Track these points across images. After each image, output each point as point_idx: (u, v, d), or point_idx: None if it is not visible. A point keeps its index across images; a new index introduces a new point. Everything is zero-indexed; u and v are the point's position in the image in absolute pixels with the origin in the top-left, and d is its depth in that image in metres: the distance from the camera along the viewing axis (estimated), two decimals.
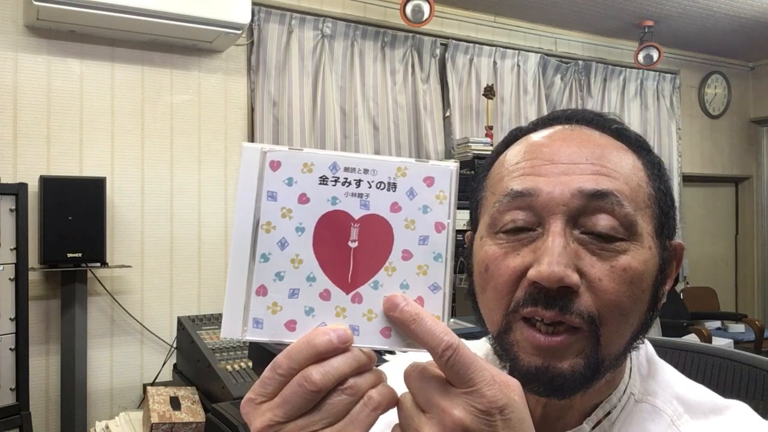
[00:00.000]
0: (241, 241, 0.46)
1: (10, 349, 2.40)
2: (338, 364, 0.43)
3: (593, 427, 0.60)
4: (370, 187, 0.47)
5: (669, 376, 0.65)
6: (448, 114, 4.04)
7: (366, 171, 0.47)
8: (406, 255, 0.47)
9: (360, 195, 0.47)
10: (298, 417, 0.43)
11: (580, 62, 4.59)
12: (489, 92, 3.93)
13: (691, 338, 3.56)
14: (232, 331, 0.46)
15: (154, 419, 1.98)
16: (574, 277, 0.53)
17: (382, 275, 0.46)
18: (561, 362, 0.54)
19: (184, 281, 3.24)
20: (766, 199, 5.54)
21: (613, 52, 4.77)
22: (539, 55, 4.38)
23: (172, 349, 2.98)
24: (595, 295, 0.54)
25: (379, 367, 0.81)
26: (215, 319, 2.53)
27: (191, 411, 2.05)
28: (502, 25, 4.29)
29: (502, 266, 0.57)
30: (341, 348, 0.43)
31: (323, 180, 0.47)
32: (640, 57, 4.52)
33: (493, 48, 4.22)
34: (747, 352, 0.86)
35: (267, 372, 0.44)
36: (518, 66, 4.29)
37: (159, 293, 3.18)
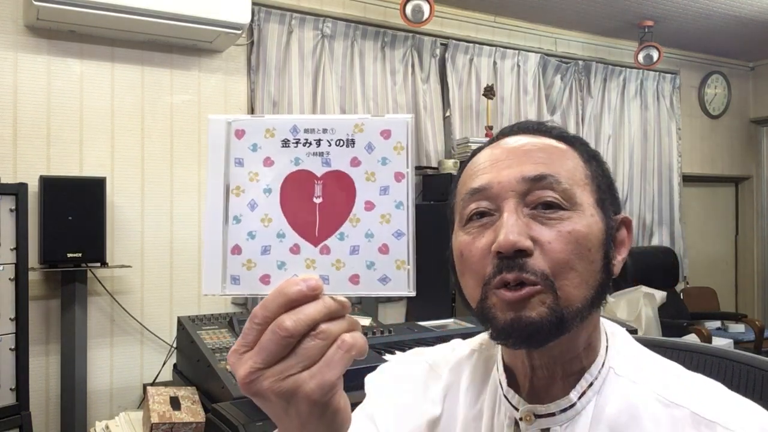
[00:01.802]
0: (214, 206, 0.50)
1: (10, 349, 2.40)
2: (309, 311, 0.46)
3: (579, 397, 0.67)
4: (329, 145, 0.50)
5: (646, 355, 0.72)
6: (448, 114, 4.04)
7: (325, 130, 0.50)
8: (369, 206, 0.49)
9: (321, 154, 0.50)
10: (276, 363, 0.46)
11: (580, 62, 4.59)
12: (489, 92, 3.93)
13: (691, 338, 3.56)
14: (212, 288, 0.49)
15: (154, 419, 1.98)
16: (527, 243, 0.63)
17: (348, 227, 0.49)
18: (529, 311, 0.62)
19: (184, 281, 3.24)
20: (766, 199, 5.54)
21: (613, 52, 4.77)
22: (539, 55, 4.38)
23: (172, 349, 2.98)
24: (547, 255, 0.63)
25: (380, 366, 0.84)
26: (215, 319, 2.53)
27: (191, 411, 2.05)
28: (502, 25, 4.29)
29: (473, 248, 0.67)
30: (311, 296, 0.46)
31: (285, 143, 0.50)
32: (640, 57, 4.52)
33: (493, 48, 4.21)
34: (747, 352, 0.87)
35: (247, 323, 0.47)
36: (518, 66, 4.29)
37: (159, 293, 3.18)
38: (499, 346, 0.74)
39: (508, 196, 0.66)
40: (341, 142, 0.50)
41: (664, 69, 4.95)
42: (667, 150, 4.96)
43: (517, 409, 0.69)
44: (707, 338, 3.67)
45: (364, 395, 0.82)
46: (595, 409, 0.66)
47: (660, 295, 3.80)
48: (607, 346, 0.70)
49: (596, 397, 0.67)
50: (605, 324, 0.73)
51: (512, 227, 0.63)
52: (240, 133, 0.50)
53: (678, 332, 3.74)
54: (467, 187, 0.70)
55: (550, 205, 0.65)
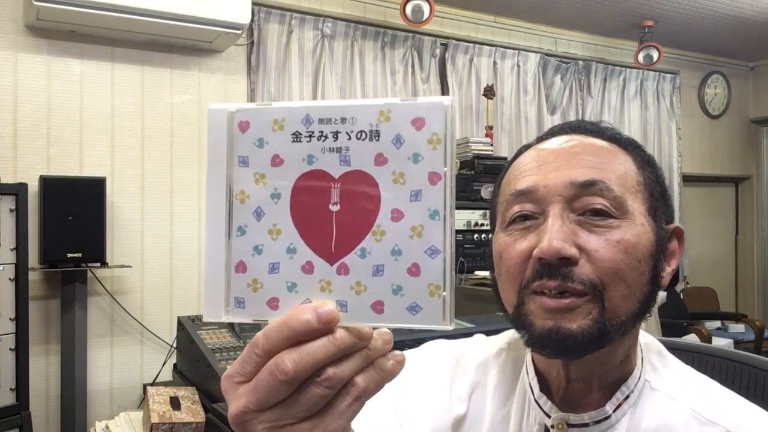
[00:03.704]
0: (215, 214, 0.42)
1: (10, 349, 2.39)
2: (315, 350, 0.38)
3: (614, 410, 0.65)
4: (349, 139, 0.41)
5: (681, 369, 0.70)
6: None
7: (343, 120, 0.41)
8: (397, 215, 0.40)
9: (339, 149, 0.41)
10: (273, 406, 0.39)
11: (580, 62, 4.59)
12: (489, 92, 3.93)
13: (691, 338, 3.56)
14: (214, 313, 0.42)
15: (154, 419, 1.98)
16: (572, 250, 0.60)
17: (370, 241, 0.40)
18: (570, 323, 0.59)
19: (184, 281, 3.24)
20: (766, 199, 5.53)
21: (613, 52, 4.77)
22: (539, 55, 4.38)
23: (172, 349, 2.98)
24: (594, 264, 0.60)
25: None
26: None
27: (191, 411, 2.05)
28: (502, 25, 4.29)
29: (512, 251, 0.64)
30: (322, 329, 0.38)
31: (296, 137, 0.41)
32: (640, 57, 4.52)
33: (493, 48, 4.21)
34: (747, 352, 0.86)
35: (246, 349, 0.40)
36: (518, 66, 4.29)
37: (159, 293, 3.18)
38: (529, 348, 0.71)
39: (554, 201, 0.62)
40: (363, 134, 0.40)
41: (664, 69, 4.95)
42: (667, 150, 4.96)
43: (548, 416, 0.67)
44: (707, 338, 3.67)
45: None
46: (630, 422, 0.64)
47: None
48: (642, 358, 0.68)
49: (631, 410, 0.65)
50: (640, 335, 0.70)
51: (557, 233, 0.60)
52: (244, 126, 0.42)
53: (678, 332, 3.74)
54: (511, 188, 0.67)
55: (598, 212, 0.62)
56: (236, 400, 0.40)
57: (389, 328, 0.41)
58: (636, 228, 0.63)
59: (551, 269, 0.60)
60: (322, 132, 0.41)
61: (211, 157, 0.42)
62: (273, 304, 0.41)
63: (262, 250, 0.42)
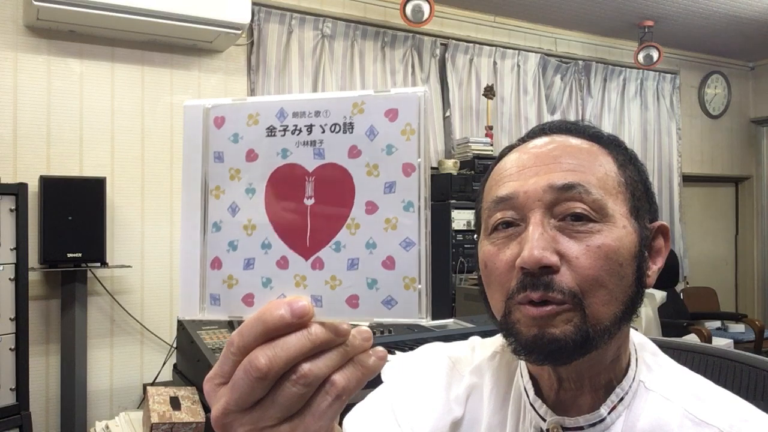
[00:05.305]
0: (190, 210, 0.42)
1: (10, 349, 2.40)
2: (289, 345, 0.37)
3: (609, 412, 0.65)
4: (323, 132, 0.41)
5: (675, 369, 0.69)
6: (448, 114, 4.04)
7: (317, 113, 0.41)
8: (371, 207, 0.40)
9: (312, 143, 0.41)
10: (253, 405, 0.38)
11: (580, 62, 4.59)
12: (489, 92, 3.93)
13: (691, 338, 3.56)
14: (190, 310, 0.42)
15: (154, 419, 1.98)
16: (553, 258, 0.60)
17: (345, 234, 0.40)
18: (554, 329, 0.60)
19: None
20: (766, 199, 5.53)
21: (613, 52, 4.77)
22: (539, 55, 4.38)
23: (172, 349, 2.98)
24: (575, 272, 0.61)
25: (397, 356, 0.80)
26: (216, 320, 2.53)
27: (191, 411, 2.05)
28: (502, 25, 4.29)
29: (497, 261, 0.65)
30: (297, 324, 0.38)
31: (271, 131, 0.41)
32: (640, 57, 4.52)
33: (493, 48, 4.21)
34: (747, 352, 0.86)
35: (224, 349, 0.40)
36: (518, 66, 4.29)
37: (159, 293, 3.18)
38: None
39: (535, 207, 0.63)
40: (337, 127, 0.40)
41: (664, 69, 4.95)
42: (667, 150, 4.96)
43: (543, 420, 0.67)
44: (707, 338, 3.67)
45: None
46: (625, 424, 0.64)
47: (660, 295, 3.80)
48: (636, 359, 0.68)
49: (626, 412, 0.65)
50: (633, 335, 0.70)
51: (537, 241, 0.60)
52: (219, 121, 0.42)
53: (678, 332, 3.73)
54: (492, 195, 0.67)
55: (579, 217, 0.62)
56: (217, 402, 0.39)
57: (368, 324, 0.41)
58: (617, 231, 0.62)
59: (533, 279, 0.60)
60: (296, 126, 0.41)
61: (187, 153, 0.43)
62: (248, 300, 0.41)
63: (237, 245, 0.41)
